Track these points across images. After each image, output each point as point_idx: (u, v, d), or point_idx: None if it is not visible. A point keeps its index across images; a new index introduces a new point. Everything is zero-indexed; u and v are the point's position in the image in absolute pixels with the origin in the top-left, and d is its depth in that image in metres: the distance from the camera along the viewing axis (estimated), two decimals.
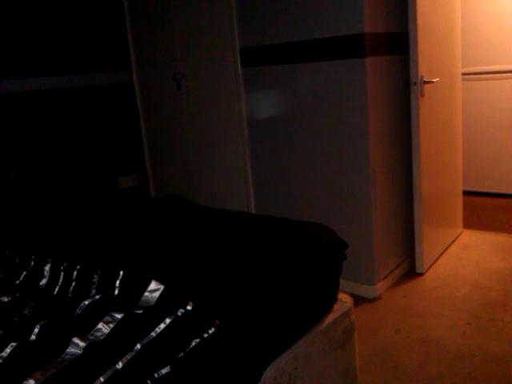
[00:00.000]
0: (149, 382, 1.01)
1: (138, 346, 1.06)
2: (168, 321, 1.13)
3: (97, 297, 1.26)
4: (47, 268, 1.46)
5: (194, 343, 1.10)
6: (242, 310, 1.25)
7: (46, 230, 1.85)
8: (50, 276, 1.44)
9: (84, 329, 1.12)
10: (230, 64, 2.88)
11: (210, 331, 1.13)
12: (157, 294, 1.23)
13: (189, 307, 1.17)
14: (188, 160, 3.32)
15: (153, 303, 1.22)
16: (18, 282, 1.46)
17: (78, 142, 3.40)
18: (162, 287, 1.24)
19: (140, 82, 3.49)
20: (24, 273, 1.48)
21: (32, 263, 1.51)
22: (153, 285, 1.24)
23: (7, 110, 3.06)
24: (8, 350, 1.05)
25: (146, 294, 1.23)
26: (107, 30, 3.47)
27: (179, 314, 1.15)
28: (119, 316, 1.15)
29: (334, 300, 1.60)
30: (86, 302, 1.23)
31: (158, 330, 1.11)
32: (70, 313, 1.22)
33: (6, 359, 1.04)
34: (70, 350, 1.06)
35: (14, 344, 1.07)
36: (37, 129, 3.20)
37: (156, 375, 1.02)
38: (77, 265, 1.42)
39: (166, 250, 1.56)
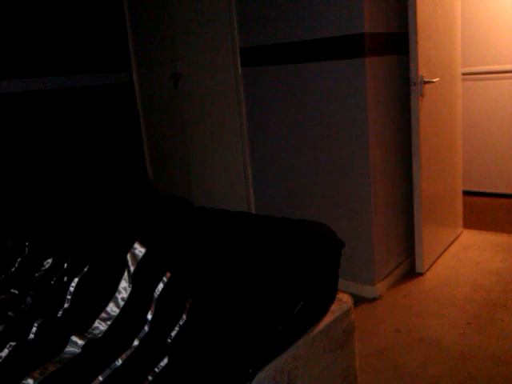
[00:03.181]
0: (149, 377, 1.01)
1: (136, 342, 1.07)
2: (152, 309, 1.14)
3: (85, 269, 1.27)
4: (48, 261, 1.47)
5: (177, 327, 1.11)
6: (231, 304, 1.24)
7: (47, 228, 1.85)
8: (49, 268, 1.45)
9: (81, 327, 1.13)
10: (230, 64, 2.88)
11: (184, 317, 1.14)
12: (141, 253, 1.26)
13: (165, 278, 1.19)
14: (188, 160, 3.32)
15: (139, 259, 1.24)
16: (13, 269, 1.47)
17: (77, 142, 3.40)
18: (144, 249, 1.27)
19: (140, 81, 3.49)
20: (19, 259, 1.49)
21: (26, 250, 1.52)
22: (136, 245, 1.27)
23: (7, 110, 3.06)
24: (7, 350, 1.05)
25: (130, 252, 1.26)
26: (107, 29, 3.47)
27: (155, 295, 1.16)
28: (114, 311, 1.16)
29: (333, 299, 1.59)
30: (76, 280, 1.25)
31: (148, 323, 1.11)
32: (63, 295, 1.23)
33: (5, 359, 1.04)
34: (69, 348, 1.06)
35: (12, 344, 1.07)
36: (36, 129, 3.20)
37: (156, 369, 1.02)
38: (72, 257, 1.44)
39: (162, 244, 1.57)
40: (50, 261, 1.46)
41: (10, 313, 1.24)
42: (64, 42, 3.26)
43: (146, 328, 1.11)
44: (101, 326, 1.13)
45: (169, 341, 1.09)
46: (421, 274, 2.81)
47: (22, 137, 3.15)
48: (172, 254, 1.35)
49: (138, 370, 1.01)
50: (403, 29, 2.58)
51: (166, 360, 1.04)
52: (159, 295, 1.17)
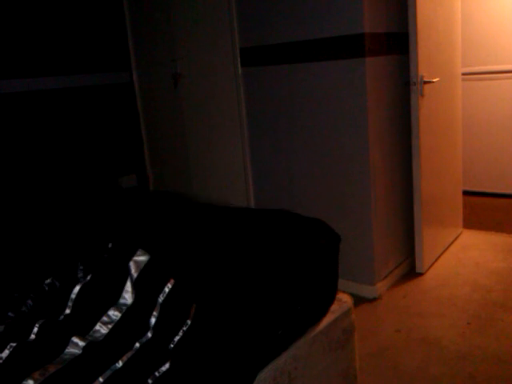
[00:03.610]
0: (149, 381, 1.01)
1: (137, 344, 1.07)
2: (155, 314, 1.14)
3: (88, 278, 1.27)
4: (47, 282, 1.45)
5: (181, 332, 1.11)
6: (224, 303, 1.24)
7: (47, 239, 1.84)
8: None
9: (82, 330, 1.13)
10: (230, 64, 2.88)
11: (188, 322, 1.13)
12: (144, 260, 1.26)
13: (169, 285, 1.19)
14: (188, 160, 3.32)
15: (141, 267, 1.24)
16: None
17: (77, 142, 3.40)
18: (147, 256, 1.27)
19: (140, 81, 3.49)
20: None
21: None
22: (139, 253, 1.27)
23: (7, 110, 3.06)
24: (7, 351, 1.05)
25: (133, 260, 1.26)
26: (107, 29, 3.47)
27: (160, 300, 1.16)
28: (115, 315, 1.15)
29: (333, 298, 1.59)
30: (78, 287, 1.24)
31: (151, 328, 1.11)
32: (64, 302, 1.22)
33: (5, 360, 1.04)
34: (70, 350, 1.06)
35: (13, 344, 1.07)
36: (37, 129, 3.20)
37: (157, 373, 1.02)
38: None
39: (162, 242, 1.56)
40: (49, 281, 1.45)
41: (10, 313, 1.24)
42: (64, 42, 3.26)
43: (149, 334, 1.10)
44: (102, 329, 1.13)
45: (171, 346, 1.09)
46: (421, 274, 2.81)
47: (23, 137, 3.15)
48: (175, 259, 1.35)
49: (138, 372, 1.01)
50: (403, 29, 2.58)
51: (167, 365, 1.04)
52: (163, 301, 1.16)
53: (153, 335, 1.10)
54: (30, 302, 1.30)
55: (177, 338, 1.10)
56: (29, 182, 3.17)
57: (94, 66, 3.43)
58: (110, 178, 3.61)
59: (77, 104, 3.37)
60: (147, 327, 1.12)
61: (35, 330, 1.12)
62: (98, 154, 3.53)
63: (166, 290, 1.18)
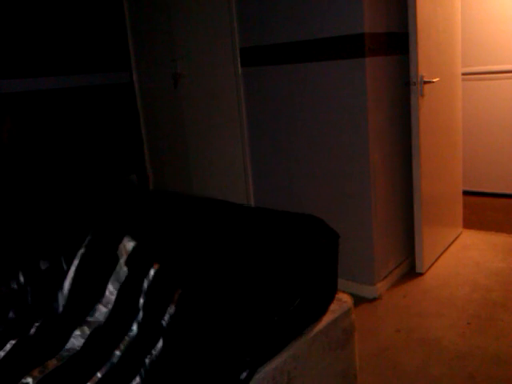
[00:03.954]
0: (147, 360, 1.02)
1: (135, 328, 1.08)
2: (142, 298, 1.15)
3: (77, 262, 1.29)
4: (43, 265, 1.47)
5: (167, 317, 1.12)
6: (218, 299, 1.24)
7: (43, 230, 1.84)
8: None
9: (80, 323, 1.14)
10: (230, 64, 2.88)
11: (173, 307, 1.14)
12: (131, 246, 1.27)
13: (152, 270, 1.20)
14: (188, 160, 3.32)
15: (128, 252, 1.26)
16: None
17: (77, 142, 3.40)
18: (134, 242, 1.30)
19: (140, 81, 3.49)
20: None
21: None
22: (126, 239, 1.29)
23: (7, 110, 3.06)
24: (7, 349, 1.06)
25: (121, 246, 1.28)
26: (107, 30, 3.47)
27: (145, 286, 1.17)
28: (103, 312, 1.17)
29: (333, 294, 1.58)
30: (72, 275, 1.26)
31: (140, 310, 1.12)
32: (56, 292, 1.23)
33: (4, 357, 1.04)
34: (70, 344, 1.07)
35: (13, 342, 1.07)
36: (36, 129, 3.20)
37: (153, 352, 1.03)
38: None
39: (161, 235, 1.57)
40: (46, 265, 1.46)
41: (11, 313, 1.24)
42: (64, 42, 3.26)
43: (141, 313, 1.12)
44: (99, 315, 1.14)
45: (164, 323, 1.10)
46: (421, 274, 2.81)
47: (22, 137, 3.15)
48: (162, 245, 1.36)
49: (135, 356, 1.02)
50: (403, 29, 2.59)
51: (160, 343, 1.05)
52: (148, 286, 1.18)
53: (144, 315, 1.12)
54: (29, 298, 1.31)
55: (164, 323, 1.10)
56: (28, 180, 3.17)
57: (94, 66, 3.43)
58: (112, 176, 3.61)
59: (77, 104, 3.37)
60: (139, 307, 1.13)
61: (35, 326, 1.13)
62: (98, 153, 3.53)
63: (152, 273, 1.19)
